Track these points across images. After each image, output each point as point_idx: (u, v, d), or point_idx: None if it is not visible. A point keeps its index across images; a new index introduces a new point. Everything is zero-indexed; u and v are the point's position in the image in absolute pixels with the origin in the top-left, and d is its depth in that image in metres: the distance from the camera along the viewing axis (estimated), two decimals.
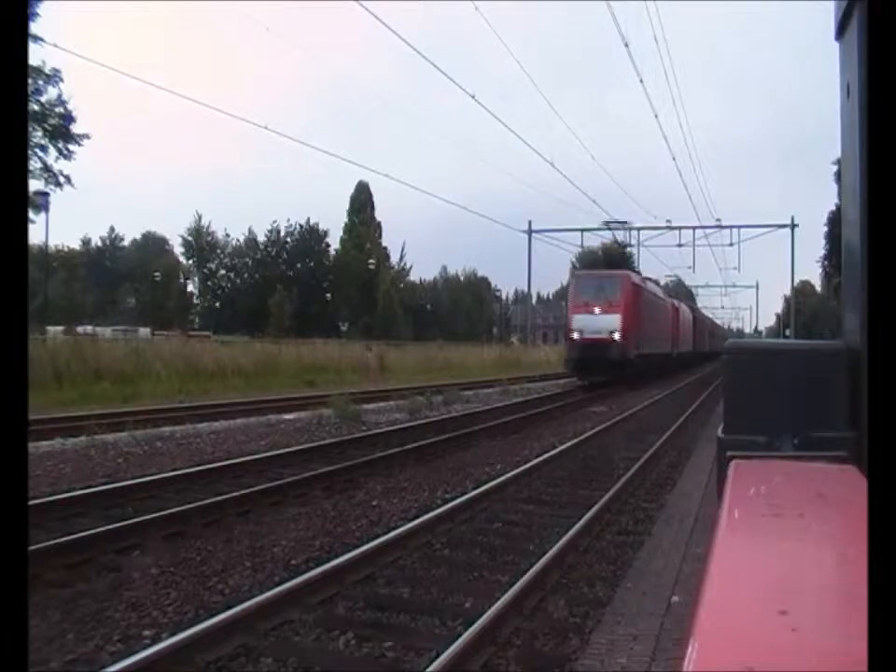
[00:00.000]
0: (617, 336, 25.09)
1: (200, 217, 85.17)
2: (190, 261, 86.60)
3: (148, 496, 7.65)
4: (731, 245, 38.75)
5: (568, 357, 26.57)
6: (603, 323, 25.19)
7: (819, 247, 46.06)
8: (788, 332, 44.14)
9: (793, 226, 35.85)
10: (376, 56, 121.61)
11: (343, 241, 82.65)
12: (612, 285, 26.44)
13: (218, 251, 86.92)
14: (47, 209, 32.10)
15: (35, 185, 31.21)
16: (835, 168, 29.04)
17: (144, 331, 58.55)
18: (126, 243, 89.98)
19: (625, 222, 33.48)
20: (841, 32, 1.68)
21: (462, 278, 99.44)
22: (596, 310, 25.61)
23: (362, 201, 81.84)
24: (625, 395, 21.59)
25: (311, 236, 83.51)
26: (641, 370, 26.71)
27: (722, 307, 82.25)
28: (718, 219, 37.52)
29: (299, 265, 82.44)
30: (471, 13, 15.76)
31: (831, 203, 40.17)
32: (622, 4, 34.39)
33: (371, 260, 76.26)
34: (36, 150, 32.12)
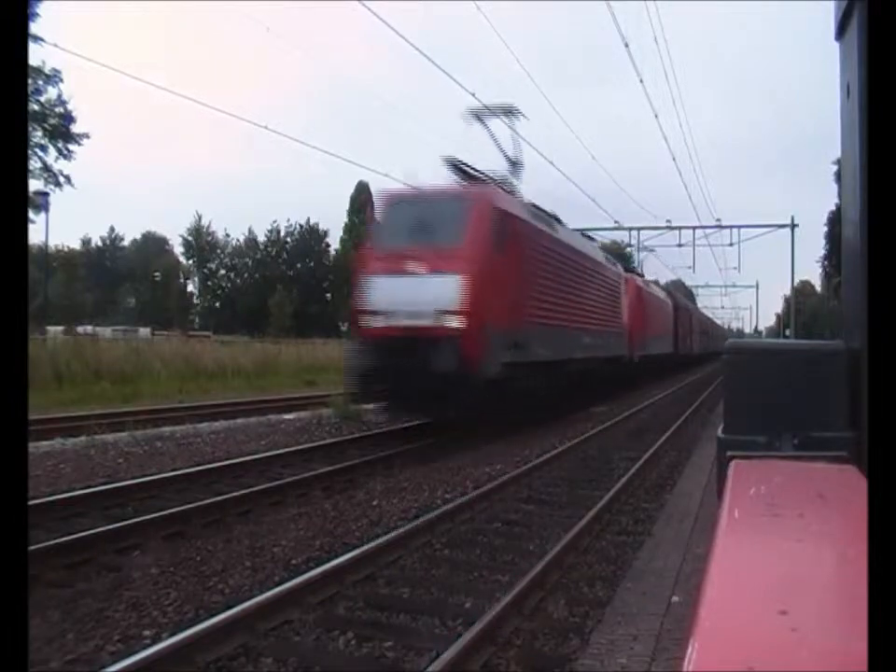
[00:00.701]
0: (456, 323, 11.54)
1: (200, 217, 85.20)
2: (190, 261, 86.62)
3: (148, 496, 7.65)
4: (731, 245, 38.60)
5: (352, 365, 12.24)
6: (424, 295, 11.62)
7: (818, 247, 46.14)
8: (788, 332, 44.06)
9: (793, 226, 35.82)
10: (376, 56, 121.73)
11: (343, 241, 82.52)
12: (452, 216, 12.24)
13: (218, 251, 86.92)
14: (47, 209, 32.15)
15: (34, 185, 31.28)
16: (835, 168, 29.10)
17: (144, 331, 58.57)
18: (126, 243, 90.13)
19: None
20: (841, 32, 1.68)
21: None
22: (416, 268, 11.95)
23: (362, 201, 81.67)
24: (625, 395, 21.57)
25: (311, 236, 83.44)
26: (527, 394, 13.34)
27: (722, 307, 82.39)
28: (718, 219, 37.39)
29: (299, 265, 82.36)
30: (472, 13, 15.61)
31: (831, 203, 40.21)
32: (622, 4, 34.37)
33: None
34: (36, 150, 32.20)
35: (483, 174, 14.50)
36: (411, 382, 11.16)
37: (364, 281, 12.50)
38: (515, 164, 15.84)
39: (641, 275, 33.43)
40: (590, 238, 22.76)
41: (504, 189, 14.56)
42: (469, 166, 14.24)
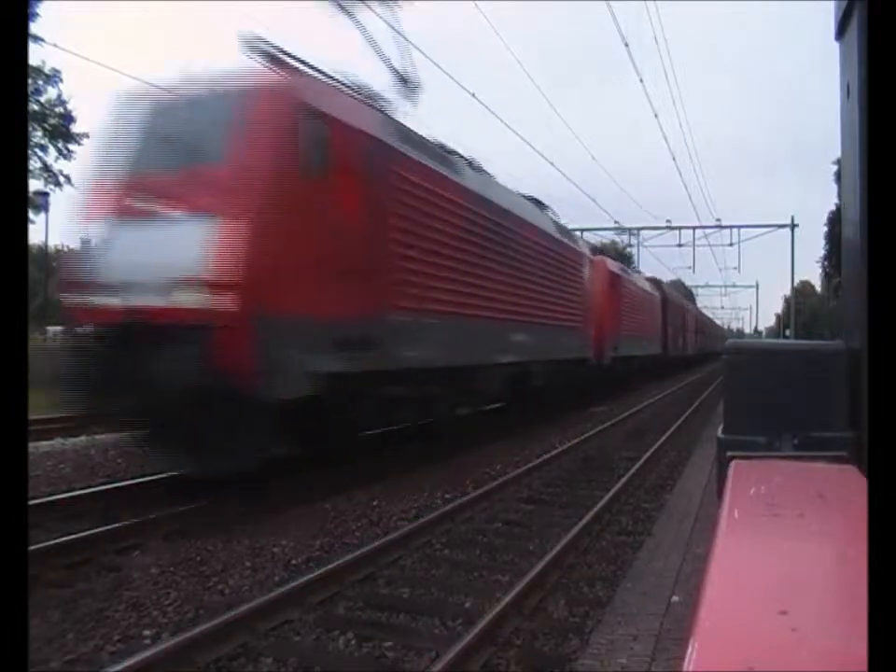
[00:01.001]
0: (209, 302, 6.41)
1: None
2: None
3: (149, 496, 7.64)
4: (731, 245, 38.63)
5: (60, 368, 6.82)
6: (156, 253, 6.56)
7: (818, 247, 46.17)
8: (788, 332, 44.03)
9: (793, 226, 35.84)
10: (376, 55, 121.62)
11: None
12: (218, 120, 7.15)
13: None
14: (47, 209, 32.13)
15: (35, 185, 31.28)
16: (835, 168, 29.11)
17: None
18: None
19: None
20: (841, 32, 1.68)
21: None
22: (151, 208, 6.85)
23: None
24: (624, 396, 21.57)
25: None
26: (390, 421, 9.77)
27: (722, 307, 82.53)
28: (718, 219, 37.42)
29: None
30: (472, 13, 15.59)
31: (831, 203, 40.23)
32: (622, 4, 34.41)
33: None
34: (36, 150, 32.21)
35: (318, 69, 8.81)
36: (144, 402, 6.40)
37: (76, 233, 7.81)
38: (406, 82, 10.50)
39: (630, 263, 29.76)
40: (539, 204, 15.85)
41: (362, 101, 9.24)
42: (291, 55, 8.35)
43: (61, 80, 32.83)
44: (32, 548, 5.11)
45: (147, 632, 4.32)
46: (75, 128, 33.90)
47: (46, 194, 32.27)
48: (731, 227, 36.86)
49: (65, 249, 8.27)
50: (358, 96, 9.37)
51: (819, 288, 65.52)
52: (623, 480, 8.72)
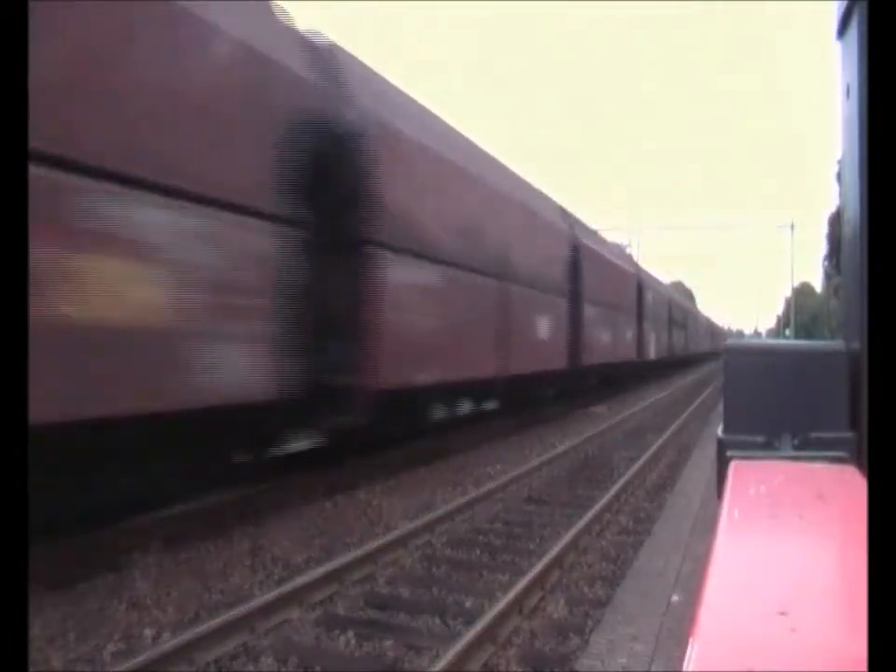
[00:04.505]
0: None
1: None
2: None
3: (149, 496, 7.64)
4: (730, 245, 38.66)
5: None
6: None
7: (819, 248, 46.17)
8: (788, 332, 44.02)
9: (793, 227, 35.89)
10: (379, 57, 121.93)
11: None
12: None
13: None
14: None
15: None
16: (835, 168, 29.10)
17: None
18: None
19: None
20: (841, 32, 1.68)
21: None
22: None
23: None
24: (624, 396, 21.56)
25: None
26: None
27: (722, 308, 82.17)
28: (717, 220, 37.45)
29: None
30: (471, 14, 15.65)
31: (831, 203, 40.25)
32: (627, 3, 34.38)
33: None
34: None
35: None
36: None
37: None
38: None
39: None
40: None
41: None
42: None
43: None
44: (32, 548, 5.10)
45: (147, 631, 4.32)
46: None
47: None
48: (731, 227, 36.87)
49: None
50: None
51: (818, 289, 65.50)
52: (624, 479, 8.72)
